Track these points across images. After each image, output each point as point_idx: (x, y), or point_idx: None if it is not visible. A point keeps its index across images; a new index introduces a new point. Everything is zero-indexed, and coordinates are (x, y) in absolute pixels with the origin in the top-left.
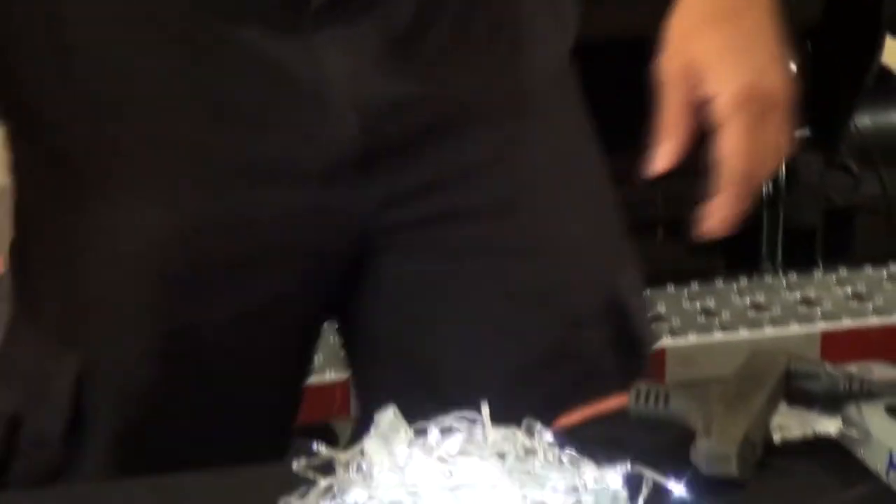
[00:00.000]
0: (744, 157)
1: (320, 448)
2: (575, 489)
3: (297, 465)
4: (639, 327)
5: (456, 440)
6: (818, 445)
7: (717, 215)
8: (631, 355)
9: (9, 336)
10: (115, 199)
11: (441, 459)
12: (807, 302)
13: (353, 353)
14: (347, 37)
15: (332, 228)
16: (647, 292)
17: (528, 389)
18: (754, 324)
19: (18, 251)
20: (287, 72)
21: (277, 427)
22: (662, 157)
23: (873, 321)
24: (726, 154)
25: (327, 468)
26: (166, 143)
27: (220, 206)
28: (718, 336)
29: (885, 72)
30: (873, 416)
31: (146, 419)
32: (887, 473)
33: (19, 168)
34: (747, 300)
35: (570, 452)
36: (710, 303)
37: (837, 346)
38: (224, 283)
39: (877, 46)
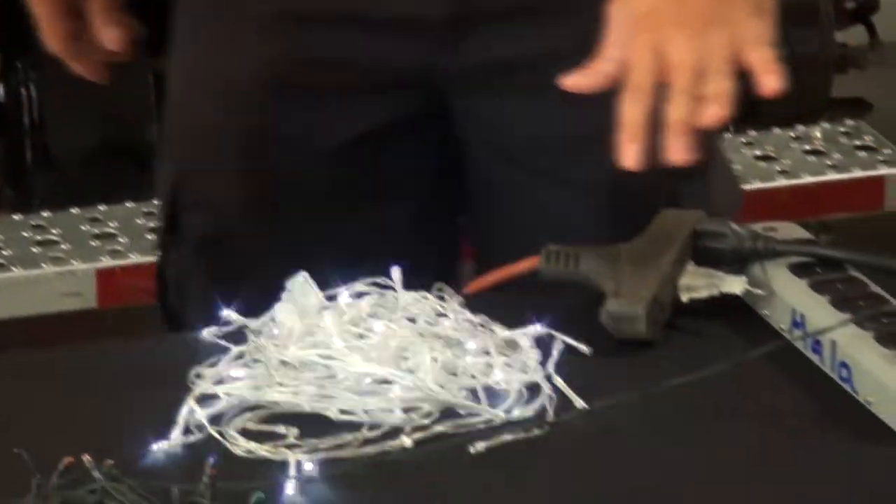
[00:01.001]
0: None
1: (230, 315)
2: (486, 352)
3: (208, 333)
4: None
5: (367, 304)
6: (724, 305)
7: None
8: None
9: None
10: (229, 30)
11: (352, 323)
12: None
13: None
14: None
15: (413, 76)
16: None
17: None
18: None
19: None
20: None
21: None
22: (578, 79)
23: (781, 182)
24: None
25: (238, 336)
26: None
27: (315, 42)
28: None
29: None
30: (777, 275)
31: (230, 238)
32: (791, 331)
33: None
34: None
35: (481, 315)
36: None
37: (746, 206)
38: (311, 111)
39: None
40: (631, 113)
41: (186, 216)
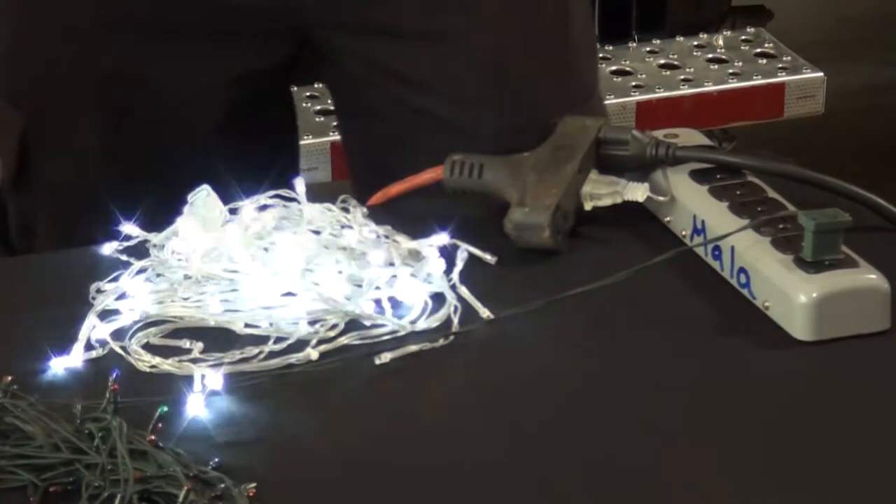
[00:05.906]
0: None
1: (132, 230)
2: (390, 263)
3: (108, 247)
4: None
5: (271, 216)
6: (627, 212)
7: None
8: None
9: None
10: None
11: (257, 236)
12: (622, 73)
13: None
14: None
15: (269, 19)
16: None
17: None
18: None
19: None
20: None
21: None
22: None
23: (684, 90)
24: None
25: (139, 250)
26: None
27: None
28: None
29: None
30: (679, 182)
31: (88, 178)
32: (692, 238)
33: None
34: None
35: (386, 226)
36: None
37: (651, 115)
38: (170, 55)
39: None
40: None
41: (38, 161)
